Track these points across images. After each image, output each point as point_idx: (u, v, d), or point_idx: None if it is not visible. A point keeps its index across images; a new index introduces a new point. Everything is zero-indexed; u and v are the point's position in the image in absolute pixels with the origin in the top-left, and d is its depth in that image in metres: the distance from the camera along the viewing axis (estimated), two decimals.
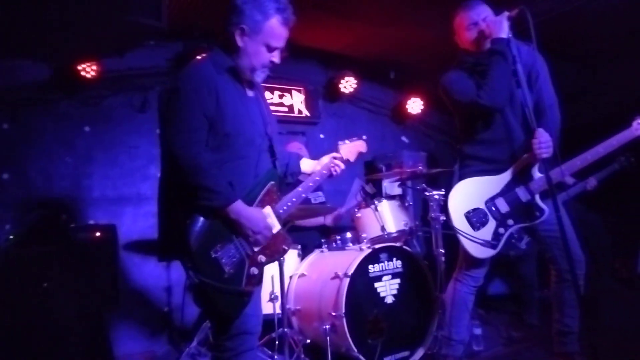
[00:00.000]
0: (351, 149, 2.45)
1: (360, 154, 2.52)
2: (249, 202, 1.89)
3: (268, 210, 1.96)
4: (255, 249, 1.90)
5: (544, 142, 2.33)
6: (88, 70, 3.67)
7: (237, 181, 1.88)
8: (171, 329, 4.04)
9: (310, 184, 2.19)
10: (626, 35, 4.19)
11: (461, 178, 2.58)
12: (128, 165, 4.08)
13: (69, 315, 2.94)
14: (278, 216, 1.99)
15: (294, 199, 2.06)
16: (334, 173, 2.32)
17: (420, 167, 3.79)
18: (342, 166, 2.35)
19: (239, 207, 1.83)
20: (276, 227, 1.96)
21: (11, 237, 3.02)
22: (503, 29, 2.39)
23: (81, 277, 3.09)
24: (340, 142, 2.47)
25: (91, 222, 3.79)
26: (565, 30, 4.15)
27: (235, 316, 1.84)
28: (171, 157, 1.78)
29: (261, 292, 2.04)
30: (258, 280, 1.92)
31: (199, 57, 1.97)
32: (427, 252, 4.43)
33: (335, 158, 2.34)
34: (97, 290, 3.20)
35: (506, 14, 2.40)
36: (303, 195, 2.11)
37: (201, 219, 1.78)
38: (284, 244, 2.00)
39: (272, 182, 2.00)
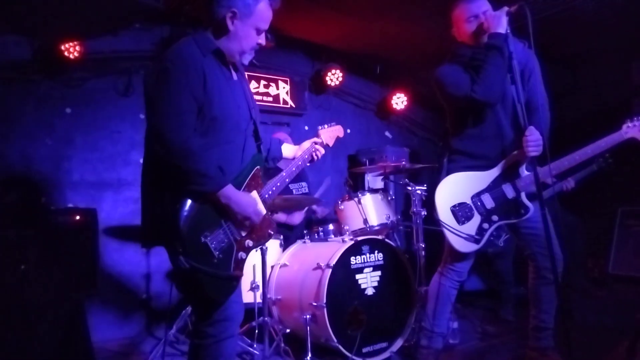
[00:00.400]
0: (330, 133, 2.48)
1: (338, 139, 2.55)
2: (237, 187, 1.89)
3: (254, 194, 1.96)
4: (243, 234, 1.91)
5: (534, 140, 2.37)
6: (71, 50, 3.59)
7: (224, 166, 1.87)
8: (149, 316, 4.01)
9: (294, 169, 2.21)
10: (606, 38, 4.29)
11: (449, 172, 2.60)
12: (109, 149, 4.02)
13: (46, 298, 2.90)
14: (264, 201, 1.99)
15: (278, 184, 2.08)
16: (315, 158, 2.35)
17: (403, 162, 3.83)
18: (323, 151, 2.37)
19: (229, 191, 1.82)
20: (262, 211, 1.97)
21: None
22: (502, 24, 2.39)
23: (60, 261, 3.04)
24: (319, 127, 2.51)
25: (70, 205, 3.73)
26: (548, 33, 4.23)
27: (223, 301, 1.84)
28: (158, 141, 1.74)
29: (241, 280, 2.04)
30: (244, 265, 1.92)
31: (182, 39, 1.91)
32: (408, 246, 4.50)
33: (315, 143, 2.35)
34: (75, 274, 3.16)
35: (505, 9, 2.40)
36: (287, 180, 2.13)
37: (190, 203, 1.76)
38: (269, 229, 2.01)
39: (258, 167, 2.00)
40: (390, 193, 3.97)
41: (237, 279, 1.87)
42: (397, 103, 5.47)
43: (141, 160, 4.11)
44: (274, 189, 2.06)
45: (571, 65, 4.94)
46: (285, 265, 3.37)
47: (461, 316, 3.66)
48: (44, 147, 3.77)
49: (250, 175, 1.96)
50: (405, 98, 5.45)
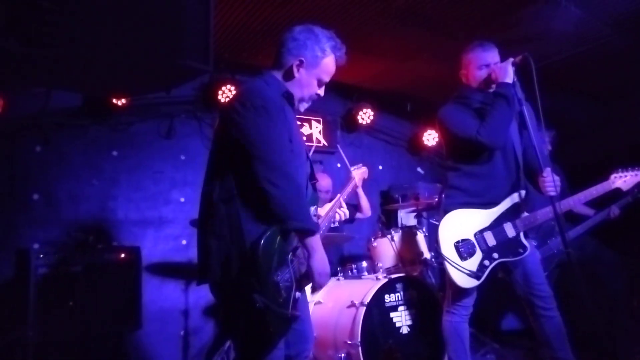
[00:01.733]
0: (363, 174, 2.62)
1: (364, 180, 2.71)
2: None
3: None
4: (302, 273, 1.90)
5: (551, 181, 2.43)
6: (119, 98, 3.85)
7: None
8: (186, 352, 4.09)
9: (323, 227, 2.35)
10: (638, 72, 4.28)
11: (445, 208, 2.66)
12: (152, 189, 4.21)
13: (92, 333, 3.02)
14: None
15: (323, 229, 2.16)
16: (338, 218, 2.54)
17: (436, 199, 3.86)
18: (345, 215, 2.56)
19: (319, 240, 1.83)
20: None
21: (41, 255, 3.12)
22: (509, 74, 2.51)
23: (105, 297, 3.18)
24: (352, 168, 2.64)
25: (114, 243, 3.90)
26: (580, 69, 4.26)
27: (278, 342, 1.82)
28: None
29: None
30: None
31: (254, 81, 2.00)
32: (442, 283, 4.46)
33: (340, 207, 2.54)
34: (119, 310, 3.28)
35: (511, 60, 2.53)
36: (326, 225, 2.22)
37: (270, 239, 1.76)
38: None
39: (315, 207, 2.04)
40: (424, 230, 3.98)
41: (295, 319, 1.86)
42: (428, 139, 5.53)
43: (182, 199, 4.32)
44: (324, 228, 2.14)
45: (604, 100, 4.91)
46: (319, 302, 3.40)
47: (500, 356, 3.59)
48: (90, 188, 3.97)
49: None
50: (436, 134, 5.50)
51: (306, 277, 1.91)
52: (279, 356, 1.89)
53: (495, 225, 2.59)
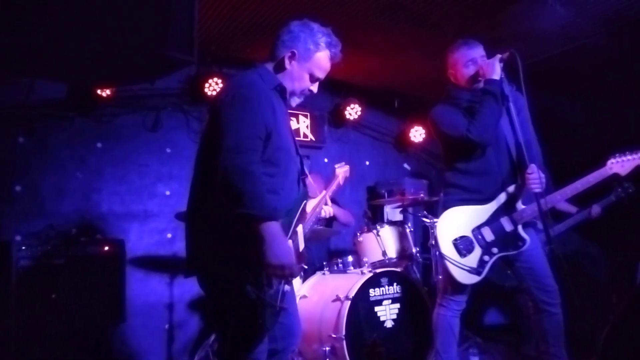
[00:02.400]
0: (345, 173, 2.67)
1: (346, 179, 2.77)
2: (289, 219, 1.90)
3: (300, 229, 1.99)
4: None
5: (536, 177, 2.46)
6: (104, 89, 3.80)
7: (284, 196, 1.88)
8: (171, 346, 4.07)
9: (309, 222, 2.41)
10: (622, 72, 4.34)
11: (445, 205, 2.70)
12: (137, 182, 4.18)
13: (74, 327, 3.00)
14: (304, 235, 2.04)
15: (313, 220, 2.18)
16: (323, 215, 2.51)
17: (421, 195, 3.89)
18: (329, 211, 2.57)
19: (276, 229, 1.72)
20: (302, 245, 1.99)
21: (23, 247, 3.08)
22: (496, 71, 2.55)
23: (89, 290, 3.15)
24: (336, 165, 2.81)
25: (98, 236, 3.86)
26: (565, 68, 4.31)
27: (264, 335, 1.83)
28: (223, 161, 1.71)
29: None
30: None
31: (248, 72, 1.99)
32: (426, 278, 4.50)
33: (325, 204, 2.54)
34: (103, 303, 3.25)
35: (498, 56, 2.57)
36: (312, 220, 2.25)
37: None
38: (303, 262, 2.08)
39: (305, 201, 2.04)
40: (409, 225, 4.01)
41: (283, 311, 1.86)
42: (415, 136, 5.55)
43: (167, 193, 4.29)
44: (310, 224, 2.15)
45: (589, 100, 4.97)
46: (304, 296, 3.41)
47: (482, 351, 3.63)
48: (74, 180, 3.93)
49: (299, 209, 1.98)
50: (423, 131, 5.53)
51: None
52: (263, 350, 1.89)
53: (492, 220, 2.61)
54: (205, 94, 4.16)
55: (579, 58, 4.12)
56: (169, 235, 4.22)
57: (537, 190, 2.44)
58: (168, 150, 4.31)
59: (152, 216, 4.19)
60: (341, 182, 2.72)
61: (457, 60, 2.72)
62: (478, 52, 2.68)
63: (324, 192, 2.70)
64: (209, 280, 1.87)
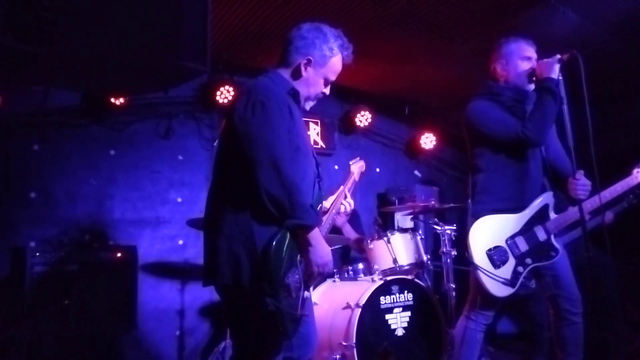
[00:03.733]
0: (360, 168, 2.66)
1: (362, 174, 2.79)
2: None
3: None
4: (309, 273, 1.90)
5: (584, 184, 2.39)
6: (117, 97, 3.85)
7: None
8: (182, 353, 4.09)
9: (329, 218, 2.39)
10: (636, 78, 4.31)
11: (474, 215, 2.57)
12: (149, 189, 4.21)
13: (87, 332, 3.02)
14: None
15: (327, 225, 2.19)
16: (343, 210, 2.54)
17: (432, 202, 3.88)
18: (349, 207, 2.56)
19: (319, 233, 1.83)
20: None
21: (37, 254, 3.12)
22: (554, 71, 2.42)
23: (101, 296, 3.18)
24: (351, 162, 2.82)
25: (110, 242, 3.90)
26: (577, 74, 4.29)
27: (285, 343, 1.83)
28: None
29: None
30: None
31: (259, 78, 2.01)
32: (438, 286, 4.47)
33: (345, 197, 2.54)
34: (115, 309, 3.28)
35: (558, 56, 2.43)
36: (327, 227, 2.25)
37: (281, 241, 1.76)
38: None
39: (321, 205, 2.05)
40: (420, 232, 3.99)
41: (303, 319, 1.86)
42: (425, 142, 5.54)
43: (179, 200, 4.32)
44: (325, 228, 2.16)
45: (601, 106, 4.94)
46: (315, 304, 3.40)
47: (494, 359, 3.59)
48: (88, 187, 3.97)
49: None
50: (434, 137, 5.52)
51: (312, 275, 1.90)
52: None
53: (526, 230, 2.52)
54: (217, 101, 4.20)
55: (590, 64, 4.10)
56: (181, 242, 4.24)
57: (582, 197, 2.37)
58: (180, 157, 4.35)
59: (164, 223, 4.22)
60: (357, 178, 2.69)
61: (512, 52, 2.58)
62: (534, 52, 2.58)
63: (341, 187, 2.67)
64: (228, 290, 1.87)
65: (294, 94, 2.01)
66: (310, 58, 1.99)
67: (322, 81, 2.04)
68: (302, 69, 1.99)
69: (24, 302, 3.00)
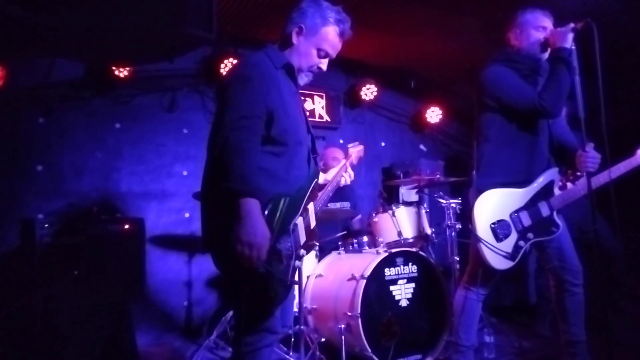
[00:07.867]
0: (359, 153, 2.66)
1: (360, 159, 2.80)
2: (300, 198, 1.92)
3: (311, 206, 2.01)
4: (302, 243, 1.92)
5: (593, 157, 2.39)
6: (121, 70, 3.84)
7: (293, 175, 1.91)
8: (189, 323, 4.17)
9: (329, 189, 2.40)
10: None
11: (478, 188, 2.57)
12: (154, 162, 4.23)
13: (95, 302, 3.08)
14: (315, 213, 2.06)
15: (325, 198, 2.20)
16: (343, 183, 2.58)
17: (437, 175, 3.88)
18: (349, 179, 2.58)
19: (253, 207, 1.71)
20: (313, 222, 2.01)
21: (46, 225, 3.16)
22: (567, 40, 2.40)
23: (110, 268, 3.23)
24: (349, 145, 2.75)
25: (117, 215, 3.94)
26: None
27: (276, 309, 1.87)
28: (218, 137, 1.76)
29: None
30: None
31: (256, 52, 1.99)
32: (442, 259, 4.51)
33: (345, 171, 2.57)
34: (123, 280, 3.33)
35: (571, 25, 2.40)
36: (325, 198, 2.27)
37: (272, 207, 1.78)
38: (315, 239, 2.08)
39: (316, 180, 2.05)
40: (425, 206, 4.00)
41: (292, 286, 1.91)
42: (431, 116, 5.51)
43: (184, 173, 4.35)
44: (321, 202, 2.17)
45: (611, 79, 4.87)
46: (320, 275, 3.45)
47: (498, 331, 3.64)
48: (94, 160, 4.00)
49: (310, 188, 2.00)
50: (439, 111, 5.48)
51: (304, 246, 1.95)
52: (276, 325, 1.93)
53: (531, 205, 2.53)
54: (221, 74, 4.17)
55: (600, 35, 4.03)
56: (187, 215, 4.28)
57: (592, 169, 2.37)
58: (185, 130, 4.35)
59: (170, 195, 4.25)
60: (355, 162, 2.70)
61: (528, 21, 2.57)
62: (550, 22, 2.54)
63: (343, 160, 2.68)
64: (221, 257, 1.90)
65: (289, 69, 2.00)
66: (302, 25, 1.98)
67: (314, 52, 2.01)
68: (294, 37, 1.99)
69: (34, 273, 3.06)
